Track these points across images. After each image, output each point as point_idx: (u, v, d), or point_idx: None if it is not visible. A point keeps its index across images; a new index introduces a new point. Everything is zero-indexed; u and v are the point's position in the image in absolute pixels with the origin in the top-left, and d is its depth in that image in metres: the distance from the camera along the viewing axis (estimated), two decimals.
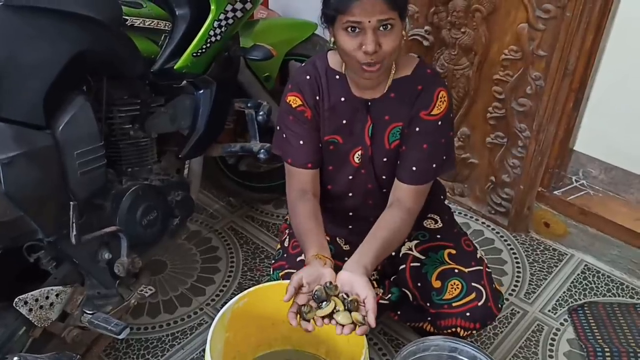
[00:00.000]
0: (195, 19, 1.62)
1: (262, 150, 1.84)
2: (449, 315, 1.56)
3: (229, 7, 1.65)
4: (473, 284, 1.55)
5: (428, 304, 1.60)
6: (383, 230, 1.45)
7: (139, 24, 1.54)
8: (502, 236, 2.28)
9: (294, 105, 1.51)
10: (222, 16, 1.64)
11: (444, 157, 1.53)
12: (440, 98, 1.46)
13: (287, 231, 1.74)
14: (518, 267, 2.14)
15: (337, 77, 1.49)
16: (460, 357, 1.63)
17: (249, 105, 1.88)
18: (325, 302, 1.27)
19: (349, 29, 1.31)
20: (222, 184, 2.35)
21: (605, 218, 2.09)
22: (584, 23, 1.84)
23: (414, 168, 1.50)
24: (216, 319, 1.40)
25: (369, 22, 1.28)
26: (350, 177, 1.58)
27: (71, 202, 1.40)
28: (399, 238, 1.50)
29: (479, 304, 1.53)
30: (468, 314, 1.54)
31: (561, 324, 1.93)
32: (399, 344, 1.84)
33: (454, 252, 1.61)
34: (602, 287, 2.07)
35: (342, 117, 1.51)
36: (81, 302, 1.46)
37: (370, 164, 1.55)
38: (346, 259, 1.43)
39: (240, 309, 1.46)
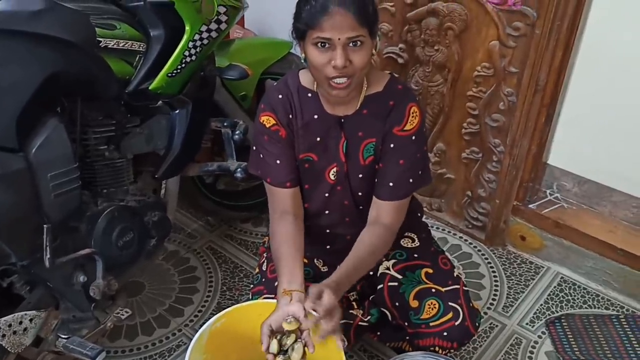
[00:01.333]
0: (169, 39, 1.62)
1: (239, 169, 1.84)
2: (426, 334, 1.57)
3: (204, 28, 1.66)
4: (450, 303, 1.56)
5: (406, 324, 1.60)
6: (359, 249, 1.47)
7: (113, 45, 1.53)
8: (479, 250, 2.30)
9: (267, 125, 1.51)
10: (196, 36, 1.65)
11: (420, 172, 1.54)
12: (412, 113, 1.48)
13: (265, 255, 1.74)
14: (496, 281, 2.16)
15: (309, 94, 1.50)
16: None
17: (225, 124, 1.89)
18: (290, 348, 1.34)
19: (319, 44, 1.32)
20: (200, 203, 2.34)
21: (579, 230, 2.12)
22: (553, 40, 1.88)
23: (390, 184, 1.51)
24: (193, 341, 1.39)
25: (339, 39, 1.30)
26: (327, 195, 1.58)
27: (45, 225, 1.38)
28: (377, 256, 1.52)
29: (456, 323, 1.54)
30: (445, 333, 1.55)
31: (539, 336, 1.94)
32: None
33: (431, 271, 1.62)
34: (578, 299, 2.09)
35: (316, 134, 1.52)
36: (56, 326, 1.44)
37: (346, 181, 1.56)
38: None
39: (218, 330, 1.44)
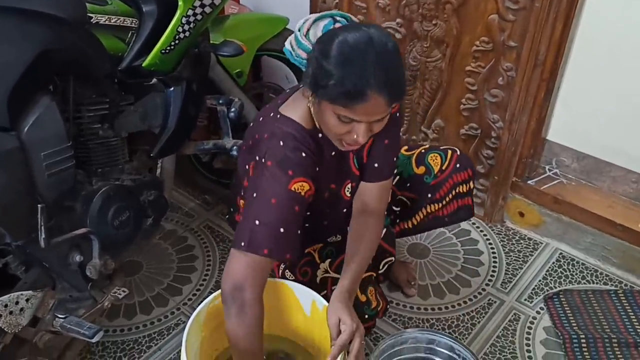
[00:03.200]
0: (162, 15, 1.59)
1: (235, 147, 1.82)
2: (444, 179, 1.67)
3: (197, 3, 1.63)
4: (441, 147, 1.72)
5: (422, 191, 1.70)
6: (356, 247, 1.47)
7: (105, 21, 1.51)
8: (478, 227, 2.29)
9: (302, 193, 1.32)
10: (190, 12, 1.62)
11: (399, 148, 1.57)
12: None
13: None
14: (494, 257, 2.16)
15: (320, 135, 1.39)
16: (438, 348, 1.65)
17: (220, 102, 1.86)
18: None
19: (342, 118, 1.24)
20: (196, 182, 2.32)
21: (578, 206, 2.11)
22: (553, 13, 1.85)
23: (376, 165, 1.50)
24: (191, 318, 1.39)
25: (368, 121, 1.24)
26: (345, 210, 1.58)
27: (39, 205, 1.37)
28: (374, 247, 1.52)
29: (458, 153, 1.69)
30: (458, 165, 1.66)
31: (537, 312, 1.94)
32: (377, 338, 1.84)
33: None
34: (576, 274, 2.09)
35: (334, 167, 1.47)
36: (52, 306, 1.44)
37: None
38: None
39: (215, 307, 1.44)
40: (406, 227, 1.79)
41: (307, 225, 1.54)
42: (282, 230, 1.29)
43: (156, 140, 1.76)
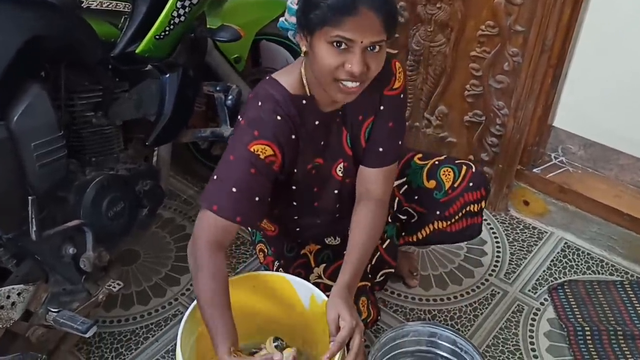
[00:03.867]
0: None
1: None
2: (455, 197, 1.59)
3: None
4: (456, 161, 1.62)
5: (431, 207, 1.62)
6: (358, 238, 1.43)
7: (96, 5, 1.46)
8: None
9: (262, 156, 1.30)
10: None
11: (404, 133, 1.50)
12: (398, 69, 1.42)
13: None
14: (498, 247, 2.12)
15: (304, 101, 1.35)
16: (440, 341, 1.62)
17: (217, 89, 1.81)
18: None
19: (336, 43, 1.18)
20: (195, 169, 2.28)
21: (584, 195, 2.07)
22: None
23: (380, 149, 1.45)
24: (186, 314, 1.36)
25: (361, 42, 1.18)
26: (336, 192, 1.53)
27: (30, 197, 1.33)
28: (377, 236, 1.47)
29: (473, 170, 1.59)
30: (471, 184, 1.58)
31: (541, 303, 1.91)
32: (378, 330, 1.81)
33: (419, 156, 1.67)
34: (582, 264, 2.05)
35: (319, 140, 1.42)
36: (45, 299, 1.41)
37: (354, 172, 1.50)
38: (345, 252, 1.43)
39: None
40: (410, 240, 1.74)
41: (295, 203, 1.54)
42: (234, 189, 1.29)
43: (151, 128, 1.71)
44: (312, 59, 1.26)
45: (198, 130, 1.87)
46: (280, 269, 1.64)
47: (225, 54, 1.95)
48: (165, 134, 1.74)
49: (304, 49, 1.27)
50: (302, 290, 1.47)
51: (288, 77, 1.35)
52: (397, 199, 1.66)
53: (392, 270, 1.74)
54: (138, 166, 1.70)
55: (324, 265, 1.60)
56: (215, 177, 1.33)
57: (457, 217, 1.61)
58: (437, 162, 1.62)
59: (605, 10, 1.86)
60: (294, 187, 1.47)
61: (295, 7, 1.30)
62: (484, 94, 2.08)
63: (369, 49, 1.20)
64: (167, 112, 1.69)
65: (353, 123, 1.43)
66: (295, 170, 1.43)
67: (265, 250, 1.70)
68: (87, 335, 1.36)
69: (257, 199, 1.33)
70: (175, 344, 1.76)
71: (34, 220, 1.34)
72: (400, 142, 1.48)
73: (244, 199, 1.31)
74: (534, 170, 2.17)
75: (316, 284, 1.51)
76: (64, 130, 1.42)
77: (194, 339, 1.42)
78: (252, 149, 1.29)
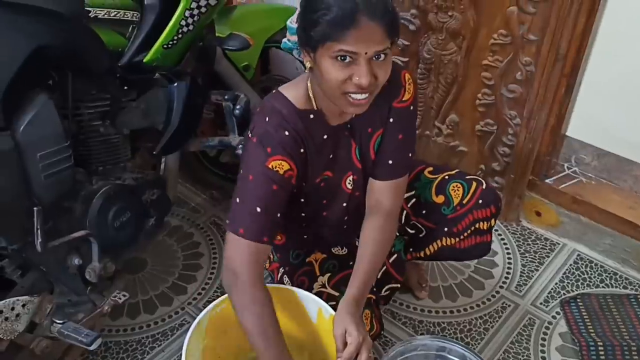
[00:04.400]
0: (165, 8, 1.53)
1: (240, 145, 1.76)
2: (464, 214, 1.56)
3: None
4: (467, 177, 1.57)
5: (439, 223, 1.59)
6: (367, 253, 1.41)
7: (104, 15, 1.45)
8: None
9: (281, 172, 1.28)
10: (194, 4, 1.55)
11: (415, 145, 1.48)
12: (407, 80, 1.39)
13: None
14: (509, 258, 2.08)
15: (312, 116, 1.33)
16: (449, 356, 1.59)
17: (225, 97, 1.80)
18: None
19: (340, 57, 1.16)
20: (203, 177, 2.27)
21: (598, 206, 2.03)
22: (576, 5, 1.75)
23: (390, 162, 1.43)
24: (192, 327, 1.34)
25: (365, 53, 1.15)
26: (345, 204, 1.51)
27: (35, 208, 1.32)
28: (386, 250, 1.45)
29: (483, 187, 1.55)
30: (480, 201, 1.54)
31: (553, 317, 1.87)
32: (387, 342, 1.78)
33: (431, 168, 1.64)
34: (595, 277, 2.01)
35: (328, 153, 1.40)
36: (50, 311, 1.39)
37: (363, 185, 1.48)
38: (351, 263, 1.42)
39: (218, 315, 1.40)
40: (418, 256, 1.71)
41: (303, 214, 1.52)
42: (258, 209, 1.27)
43: (159, 137, 1.70)
44: (318, 74, 1.23)
45: (206, 139, 1.86)
46: (285, 275, 1.62)
47: (234, 62, 1.94)
48: (173, 143, 1.72)
49: (308, 65, 1.25)
50: (309, 304, 1.44)
51: (294, 91, 1.33)
52: (405, 212, 1.63)
53: (398, 285, 1.71)
54: (145, 175, 1.69)
55: (329, 274, 1.57)
56: (237, 199, 1.30)
57: (465, 235, 1.58)
58: (447, 177, 1.58)
59: (621, 19, 1.82)
60: (302, 200, 1.46)
61: (295, 25, 1.28)
62: (496, 103, 2.05)
63: (374, 58, 1.18)
64: (175, 121, 1.68)
65: (362, 136, 1.41)
66: (304, 184, 1.41)
67: (271, 256, 1.68)
68: (91, 348, 1.35)
69: (278, 215, 1.31)
70: (181, 355, 1.75)
71: (39, 231, 1.33)
72: (410, 155, 1.46)
73: (268, 217, 1.29)
74: (547, 180, 2.13)
75: (320, 293, 1.49)
76: (71, 140, 1.41)
77: (199, 353, 1.39)
78: (270, 166, 1.28)
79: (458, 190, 1.55)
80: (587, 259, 2.07)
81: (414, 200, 1.62)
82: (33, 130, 1.31)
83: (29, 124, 1.30)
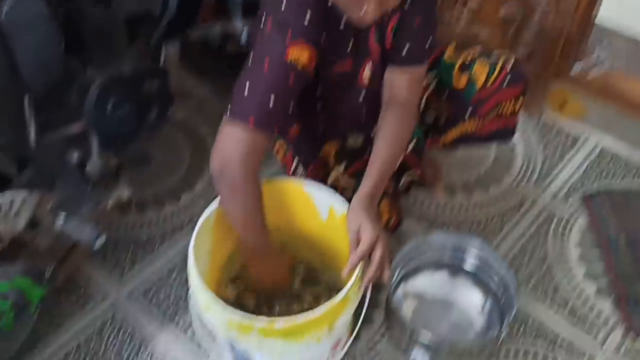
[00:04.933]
0: None
1: (245, 32, 1.63)
2: (488, 97, 1.47)
3: None
4: (493, 54, 1.47)
5: (461, 106, 1.51)
6: (384, 143, 1.31)
7: None
8: None
9: (299, 67, 1.17)
10: None
11: (435, 32, 1.35)
12: None
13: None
14: (529, 151, 1.99)
15: (329, 4, 1.21)
16: (464, 252, 1.56)
17: None
18: None
19: None
20: (207, 68, 2.15)
21: (626, 97, 1.92)
22: None
23: (407, 47, 1.33)
24: (199, 222, 1.30)
25: None
26: (361, 100, 1.42)
27: (26, 95, 1.23)
28: (404, 142, 1.37)
29: (510, 64, 1.45)
30: (507, 80, 1.45)
31: (573, 212, 1.81)
32: (403, 236, 1.73)
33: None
34: (619, 172, 1.92)
35: (347, 40, 1.30)
36: (52, 207, 1.34)
37: (380, 77, 1.38)
38: (369, 151, 1.33)
39: None
40: (438, 140, 1.62)
41: (318, 105, 1.44)
42: (271, 101, 1.16)
43: (156, 24, 1.57)
44: None
45: (205, 26, 1.73)
46: (300, 165, 1.55)
47: None
48: (171, 30, 1.60)
49: None
50: (321, 200, 1.38)
51: None
52: (425, 98, 1.52)
53: (416, 178, 1.64)
54: (144, 66, 1.58)
55: (345, 162, 1.50)
56: (246, 87, 1.18)
57: (489, 118, 1.48)
58: (470, 56, 1.47)
59: None
60: (318, 94, 1.37)
61: None
62: None
63: None
64: (173, 5, 1.55)
65: (379, 22, 1.29)
66: (322, 72, 1.31)
67: (285, 147, 1.61)
68: (94, 248, 1.30)
69: (290, 111, 1.23)
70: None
71: (32, 120, 1.24)
72: (429, 40, 1.35)
73: (281, 110, 1.20)
74: (574, 69, 2.00)
75: (334, 186, 1.42)
76: (61, 26, 1.29)
77: (209, 244, 1.36)
78: (289, 60, 1.16)
79: (484, 69, 1.44)
80: (612, 153, 1.98)
81: (434, 84, 1.52)
82: (18, 13, 1.19)
83: (13, 7, 1.18)
